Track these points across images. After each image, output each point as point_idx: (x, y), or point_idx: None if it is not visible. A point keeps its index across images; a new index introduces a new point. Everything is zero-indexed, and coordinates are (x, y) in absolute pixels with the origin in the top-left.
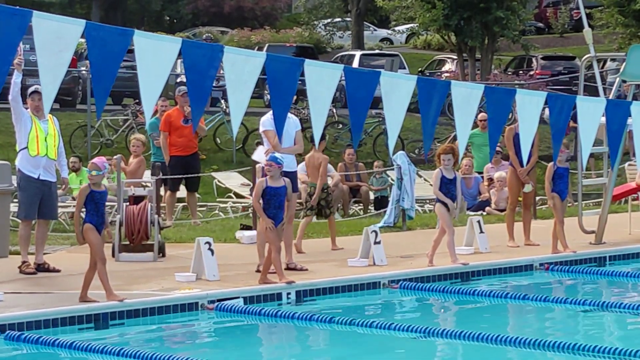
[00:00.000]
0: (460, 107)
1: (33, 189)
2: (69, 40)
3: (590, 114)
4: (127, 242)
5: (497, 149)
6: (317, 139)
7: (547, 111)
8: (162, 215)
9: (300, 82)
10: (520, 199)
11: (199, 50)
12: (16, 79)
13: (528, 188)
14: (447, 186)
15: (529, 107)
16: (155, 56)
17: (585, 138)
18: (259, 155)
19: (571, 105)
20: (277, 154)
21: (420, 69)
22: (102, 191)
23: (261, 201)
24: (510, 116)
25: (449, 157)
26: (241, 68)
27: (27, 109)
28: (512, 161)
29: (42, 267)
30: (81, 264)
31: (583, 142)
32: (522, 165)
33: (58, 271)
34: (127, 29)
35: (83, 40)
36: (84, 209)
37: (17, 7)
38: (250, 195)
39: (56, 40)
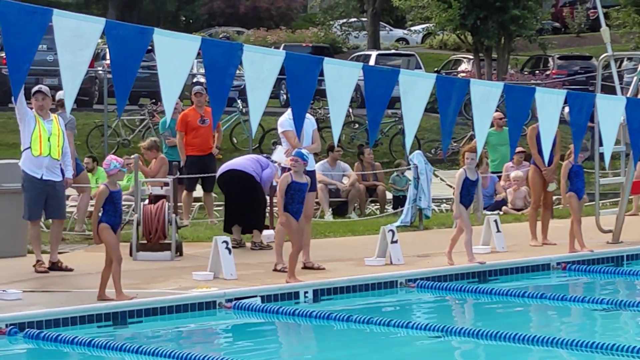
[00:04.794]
0: (479, 105)
1: (36, 189)
2: (89, 38)
3: (611, 112)
4: (145, 241)
5: (521, 149)
6: (335, 137)
7: (565, 110)
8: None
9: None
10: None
11: (219, 48)
12: None
13: (552, 187)
14: (468, 188)
15: (549, 106)
16: (175, 54)
17: (606, 137)
18: (279, 155)
19: (591, 103)
20: (303, 150)
21: (436, 69)
22: (118, 190)
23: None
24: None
25: (474, 156)
26: (260, 66)
27: (31, 108)
28: (536, 160)
29: (55, 266)
30: (98, 263)
31: (605, 141)
32: (544, 164)
33: (71, 270)
34: (146, 27)
35: (100, 40)
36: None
37: (37, 6)
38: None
39: (76, 38)
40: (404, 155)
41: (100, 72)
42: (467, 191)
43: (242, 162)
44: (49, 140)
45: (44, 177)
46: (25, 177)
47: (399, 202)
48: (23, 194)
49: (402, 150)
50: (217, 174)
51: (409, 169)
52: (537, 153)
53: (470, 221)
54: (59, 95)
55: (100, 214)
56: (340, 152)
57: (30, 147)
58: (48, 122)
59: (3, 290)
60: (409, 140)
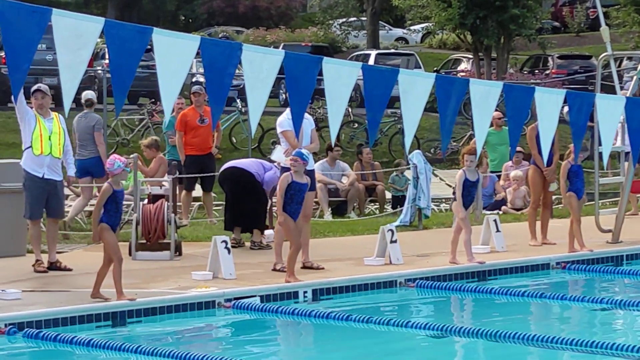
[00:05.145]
0: (479, 105)
1: (38, 188)
2: (88, 38)
3: (610, 112)
4: (144, 241)
5: (519, 149)
6: (333, 137)
7: (565, 109)
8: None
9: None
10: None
11: (218, 48)
12: None
13: (553, 187)
14: (469, 189)
15: (548, 105)
16: (174, 54)
17: (605, 136)
18: (278, 155)
19: (590, 103)
20: (303, 150)
21: (435, 69)
22: (121, 190)
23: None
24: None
25: (473, 158)
26: (259, 66)
27: (31, 107)
28: (536, 160)
29: (54, 266)
30: (97, 263)
31: (604, 141)
32: (544, 164)
33: (70, 270)
34: (145, 26)
35: (99, 40)
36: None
37: (37, 5)
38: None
39: (75, 38)
40: (403, 155)
41: (100, 71)
42: (468, 192)
43: (245, 161)
44: (49, 139)
45: (46, 176)
46: (27, 176)
47: (398, 201)
48: (24, 193)
49: (401, 149)
50: (219, 171)
51: (409, 168)
52: (537, 153)
53: (469, 221)
54: (85, 95)
55: (101, 213)
56: (339, 152)
57: (31, 146)
58: (48, 120)
59: (2, 290)
60: (408, 140)
